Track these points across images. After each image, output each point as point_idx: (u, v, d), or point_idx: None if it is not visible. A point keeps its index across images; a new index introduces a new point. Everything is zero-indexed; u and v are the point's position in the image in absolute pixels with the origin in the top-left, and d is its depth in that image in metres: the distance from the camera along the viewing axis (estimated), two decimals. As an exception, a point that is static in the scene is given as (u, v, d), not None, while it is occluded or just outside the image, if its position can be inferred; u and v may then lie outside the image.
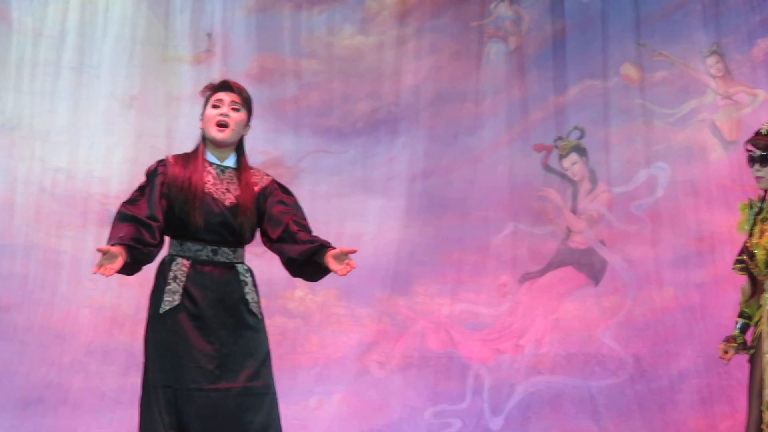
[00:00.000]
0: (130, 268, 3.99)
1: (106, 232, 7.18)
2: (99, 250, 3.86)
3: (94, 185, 7.47)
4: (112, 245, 3.90)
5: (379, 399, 7.09)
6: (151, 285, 4.18)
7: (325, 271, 4.10)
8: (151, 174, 4.22)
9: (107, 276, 3.87)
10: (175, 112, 7.51)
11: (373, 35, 7.53)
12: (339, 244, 7.27)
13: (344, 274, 4.00)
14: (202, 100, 7.35)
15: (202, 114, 4.27)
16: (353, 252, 4.00)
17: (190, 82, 7.51)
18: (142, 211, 4.08)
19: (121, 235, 3.98)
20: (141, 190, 4.19)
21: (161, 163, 4.24)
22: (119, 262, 3.89)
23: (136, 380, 6.98)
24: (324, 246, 4.09)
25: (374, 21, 7.54)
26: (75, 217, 7.46)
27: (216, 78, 7.38)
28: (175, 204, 4.12)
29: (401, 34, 7.51)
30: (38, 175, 7.49)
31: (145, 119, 7.53)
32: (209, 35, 7.57)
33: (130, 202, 4.15)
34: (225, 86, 4.29)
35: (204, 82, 7.35)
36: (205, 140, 4.27)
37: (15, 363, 7.24)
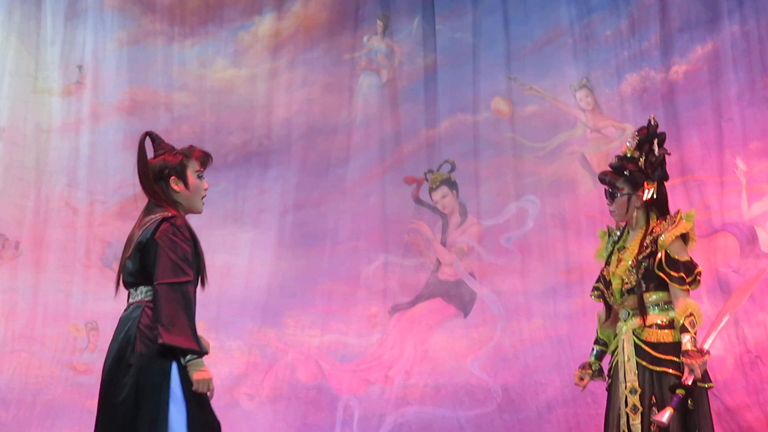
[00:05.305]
0: None
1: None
2: None
3: (-40, 217, 7.41)
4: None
5: (248, 431, 7.05)
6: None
7: None
8: (192, 239, 4.00)
9: None
10: (45, 144, 7.46)
11: (246, 68, 7.57)
12: (209, 277, 7.21)
13: None
14: (73, 133, 7.38)
15: (183, 178, 4.02)
16: None
17: (60, 114, 7.49)
18: None
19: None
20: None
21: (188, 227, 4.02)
22: None
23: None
24: None
25: (246, 54, 7.58)
26: (-60, 249, 7.38)
27: (86, 111, 7.45)
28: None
29: (273, 66, 7.56)
30: None
31: (13, 151, 7.47)
32: (80, 67, 7.54)
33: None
34: (208, 159, 4.13)
35: (75, 114, 7.46)
36: (175, 199, 4.05)
37: None
